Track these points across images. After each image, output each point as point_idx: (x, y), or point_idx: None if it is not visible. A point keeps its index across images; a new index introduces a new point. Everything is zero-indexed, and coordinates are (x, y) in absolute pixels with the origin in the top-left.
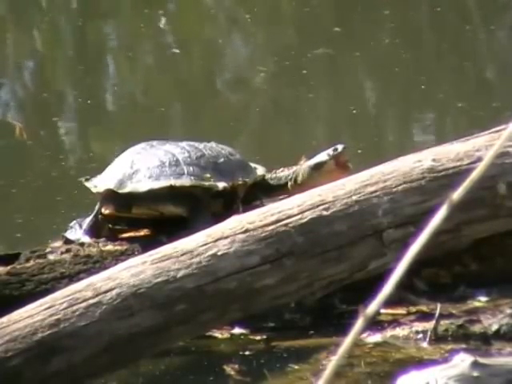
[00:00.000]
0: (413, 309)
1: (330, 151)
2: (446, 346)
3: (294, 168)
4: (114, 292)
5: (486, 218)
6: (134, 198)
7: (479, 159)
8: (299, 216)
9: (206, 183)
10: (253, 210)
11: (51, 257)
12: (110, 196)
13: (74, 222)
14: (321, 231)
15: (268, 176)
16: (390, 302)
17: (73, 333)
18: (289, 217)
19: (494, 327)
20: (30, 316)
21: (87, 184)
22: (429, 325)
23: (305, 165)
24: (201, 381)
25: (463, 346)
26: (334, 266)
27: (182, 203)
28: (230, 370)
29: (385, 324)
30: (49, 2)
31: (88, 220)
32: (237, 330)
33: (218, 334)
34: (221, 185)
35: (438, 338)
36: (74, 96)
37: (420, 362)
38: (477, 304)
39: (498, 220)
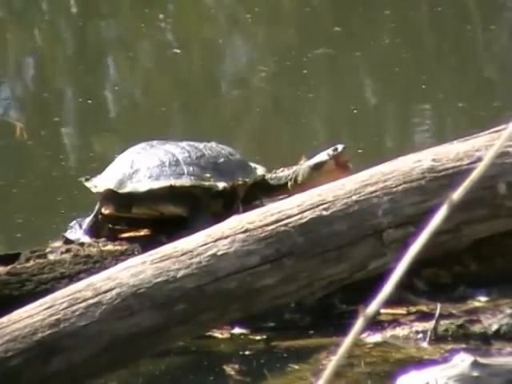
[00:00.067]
0: (413, 309)
1: (330, 151)
2: (446, 345)
3: (294, 168)
4: (113, 292)
5: (486, 218)
6: (133, 198)
7: (479, 159)
8: (299, 216)
9: (206, 183)
10: (253, 210)
11: (51, 257)
12: (110, 196)
13: (74, 222)
14: (321, 231)
15: (268, 176)
16: (390, 302)
17: (73, 333)
18: (289, 217)
19: (494, 327)
20: (30, 316)
21: (87, 184)
22: (429, 325)
23: (305, 165)
24: (201, 381)
25: (463, 345)
26: (333, 266)
27: (182, 203)
28: (230, 369)
29: (385, 324)
30: (49, 2)
31: (88, 220)
32: (237, 330)
33: (218, 334)
34: (221, 185)
35: (438, 338)
36: (75, 96)
37: (420, 362)
38: (477, 304)
39: (498, 220)
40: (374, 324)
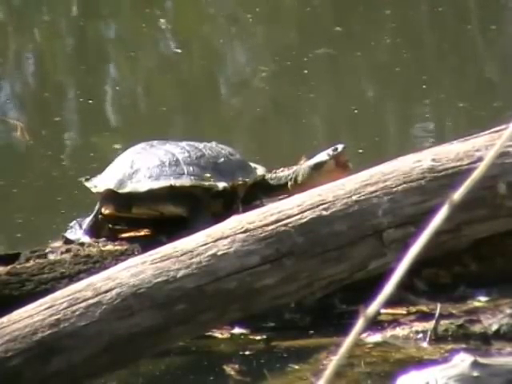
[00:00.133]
0: (413, 309)
1: (330, 151)
2: (446, 345)
3: (294, 168)
4: (113, 292)
5: (486, 218)
6: (133, 198)
7: (479, 159)
8: (299, 216)
9: (206, 183)
10: (253, 210)
11: (51, 257)
12: (110, 196)
13: (74, 221)
14: (321, 231)
15: (268, 176)
16: (390, 302)
17: (73, 333)
18: (289, 217)
19: (494, 327)
20: (30, 316)
21: (87, 184)
22: (429, 325)
23: (305, 165)
24: (201, 381)
25: (463, 345)
26: (334, 266)
27: (182, 203)
28: (230, 369)
29: (385, 324)
30: (50, 2)
31: (88, 220)
32: (237, 330)
33: (218, 334)
34: (221, 185)
35: (438, 338)
36: (76, 96)
37: (420, 362)
38: (477, 304)
39: (498, 220)
40: (374, 324)
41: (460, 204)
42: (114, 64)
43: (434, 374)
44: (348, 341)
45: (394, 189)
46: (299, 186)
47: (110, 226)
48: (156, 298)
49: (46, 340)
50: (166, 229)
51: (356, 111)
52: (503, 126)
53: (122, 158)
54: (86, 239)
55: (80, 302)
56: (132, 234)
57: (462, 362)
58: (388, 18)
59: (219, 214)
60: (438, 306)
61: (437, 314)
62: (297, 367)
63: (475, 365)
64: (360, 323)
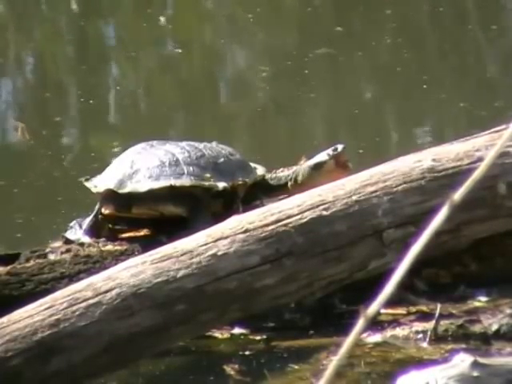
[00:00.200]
0: (413, 309)
1: (330, 151)
2: (446, 345)
3: (294, 168)
4: (113, 292)
5: (486, 218)
6: (133, 198)
7: (479, 159)
8: (299, 216)
9: (206, 183)
10: (253, 210)
11: (51, 257)
12: (110, 196)
13: (74, 221)
14: (321, 231)
15: (268, 176)
16: (390, 302)
17: (73, 333)
18: (289, 217)
19: (494, 327)
20: (30, 316)
21: (87, 184)
22: (429, 325)
23: (305, 165)
24: (201, 381)
25: (463, 345)
26: (334, 266)
27: (182, 203)
28: (230, 369)
29: (385, 324)
30: (50, 2)
31: (88, 220)
32: (237, 330)
33: (218, 334)
34: (221, 185)
35: (438, 338)
36: (76, 96)
37: (420, 362)
38: (477, 304)
39: (498, 220)
40: (374, 324)
41: (460, 204)
42: (115, 64)
43: (434, 374)
44: (348, 341)
45: (394, 189)
46: (299, 186)
47: (110, 226)
48: (156, 298)
49: (45, 340)
50: (166, 229)
51: (356, 111)
52: (503, 126)
53: (122, 158)
54: (86, 239)
55: (80, 302)
56: (132, 234)
57: (462, 362)
58: (389, 18)
59: (219, 214)
60: (438, 306)
61: (437, 314)
62: (297, 367)
63: (475, 365)
64: (360, 323)
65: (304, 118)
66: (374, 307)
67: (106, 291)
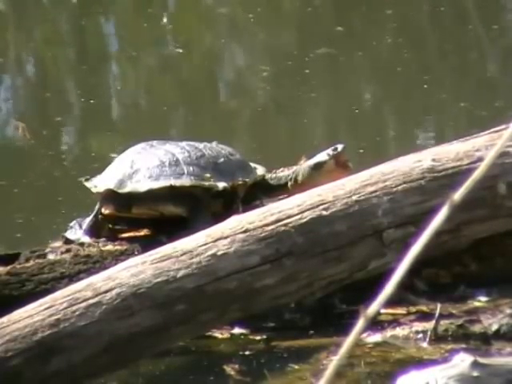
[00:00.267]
0: (413, 309)
1: (330, 151)
2: (446, 345)
3: (294, 168)
4: (113, 292)
5: (486, 218)
6: (133, 198)
7: (479, 159)
8: (299, 216)
9: (206, 183)
10: (253, 210)
11: (51, 257)
12: (110, 196)
13: (74, 221)
14: (321, 231)
15: (268, 176)
16: (390, 302)
17: (73, 333)
18: (289, 217)
19: (494, 327)
20: (30, 316)
21: (87, 184)
22: (429, 325)
23: (305, 165)
24: (201, 381)
25: (463, 345)
26: (334, 266)
27: (182, 203)
28: (230, 369)
29: (385, 324)
30: (51, 2)
31: (88, 220)
32: (237, 330)
33: (218, 334)
34: (221, 185)
35: (438, 338)
36: (77, 96)
37: (420, 362)
38: (477, 304)
39: (498, 220)
40: (374, 324)
41: (460, 204)
42: (115, 64)
43: (434, 374)
44: (348, 341)
45: (394, 189)
46: (299, 186)
47: (110, 226)
48: (156, 298)
49: (46, 340)
50: (166, 229)
51: (356, 111)
52: (503, 126)
53: (121, 158)
54: (86, 239)
55: (80, 302)
56: (132, 234)
57: (462, 362)
58: (389, 18)
59: (219, 214)
60: (438, 306)
61: (437, 314)
62: (297, 367)
63: (475, 365)
64: (360, 323)
65: (304, 117)
66: (373, 307)
67: (106, 291)
